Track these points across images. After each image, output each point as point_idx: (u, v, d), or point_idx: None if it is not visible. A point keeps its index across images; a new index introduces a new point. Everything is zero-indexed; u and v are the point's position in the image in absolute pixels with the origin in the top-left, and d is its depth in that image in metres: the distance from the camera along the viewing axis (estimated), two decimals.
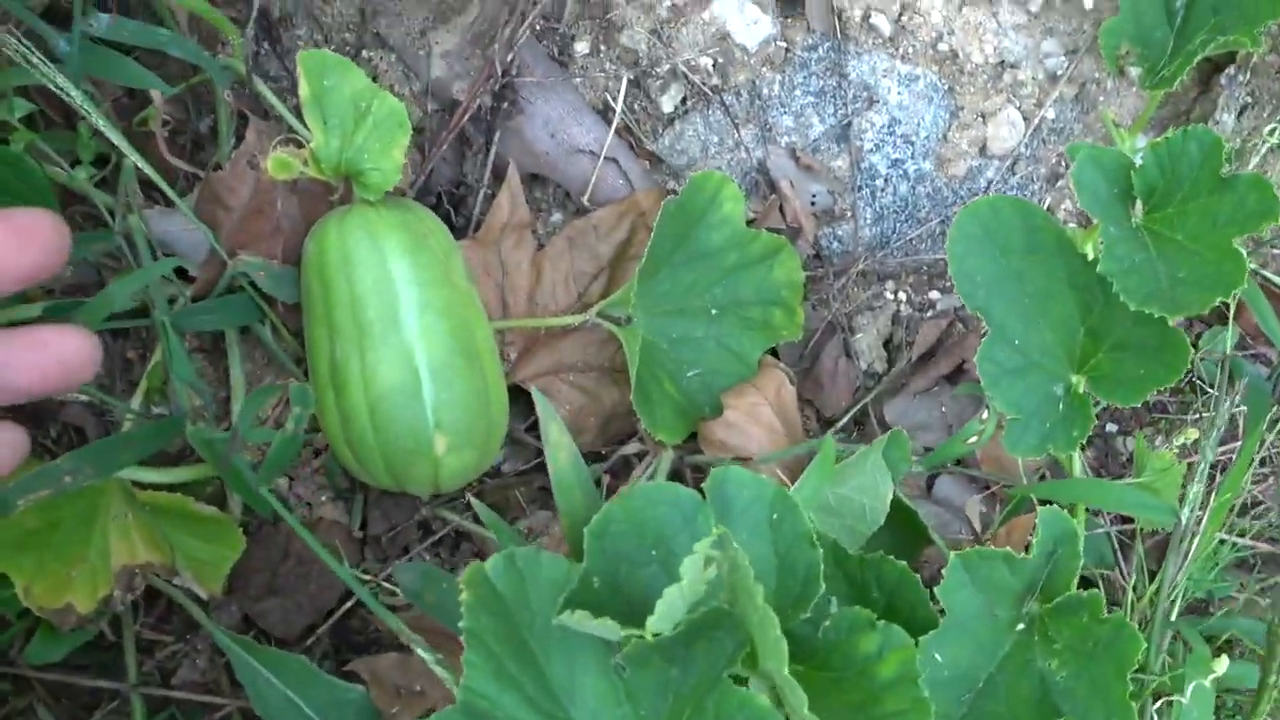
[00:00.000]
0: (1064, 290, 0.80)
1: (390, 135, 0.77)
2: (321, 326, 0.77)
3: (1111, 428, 1.00)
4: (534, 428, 0.91)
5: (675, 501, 0.59)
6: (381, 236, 0.76)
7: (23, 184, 0.71)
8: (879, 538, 0.75)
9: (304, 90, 0.75)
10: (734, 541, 0.50)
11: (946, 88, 0.95)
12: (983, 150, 0.97)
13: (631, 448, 0.88)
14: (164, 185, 0.78)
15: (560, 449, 0.66)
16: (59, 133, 0.82)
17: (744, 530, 0.61)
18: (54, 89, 0.74)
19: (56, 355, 0.55)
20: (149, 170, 0.77)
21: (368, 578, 0.84)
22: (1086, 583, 0.79)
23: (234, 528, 0.79)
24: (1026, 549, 0.75)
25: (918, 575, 0.65)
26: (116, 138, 0.74)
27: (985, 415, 0.77)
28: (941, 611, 0.68)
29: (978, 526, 0.84)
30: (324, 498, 0.89)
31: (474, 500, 0.74)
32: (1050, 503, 0.71)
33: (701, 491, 0.89)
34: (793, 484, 0.81)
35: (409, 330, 0.75)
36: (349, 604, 0.84)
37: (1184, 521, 0.74)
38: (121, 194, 0.80)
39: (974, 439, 0.78)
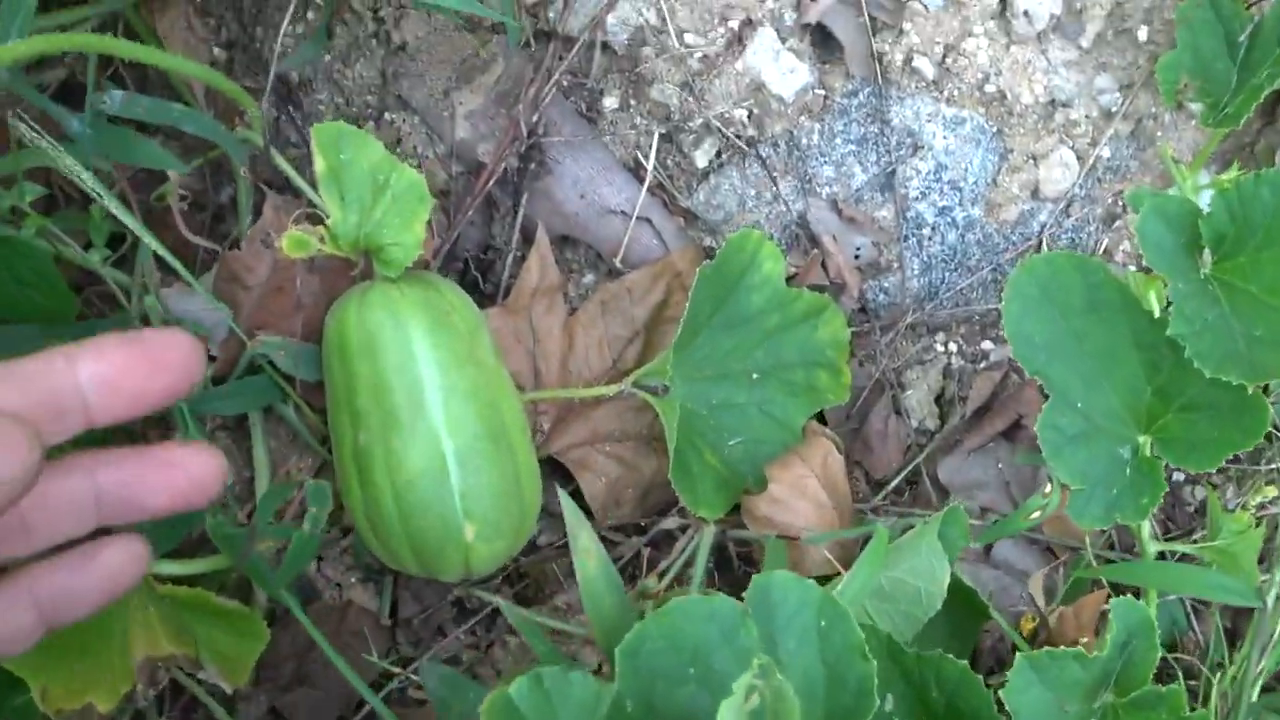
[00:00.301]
0: (1128, 349, 0.75)
1: (410, 209, 0.73)
2: (344, 410, 0.74)
3: (1179, 476, 0.94)
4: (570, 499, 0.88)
5: (714, 615, 0.55)
6: (404, 317, 0.73)
7: (34, 274, 0.69)
8: (935, 614, 0.71)
9: (319, 165, 0.72)
10: (778, 671, 0.46)
11: (995, 130, 0.90)
12: (1035, 193, 0.92)
13: (672, 521, 0.84)
14: (180, 268, 0.75)
15: (589, 556, 0.63)
16: (73, 212, 0.80)
17: (790, 639, 0.56)
18: (66, 174, 0.72)
19: (187, 473, 0.54)
20: (164, 253, 0.74)
21: (397, 670, 0.80)
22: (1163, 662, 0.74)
23: (258, 621, 0.75)
24: (1096, 632, 0.70)
25: (979, 675, 0.60)
26: (131, 222, 0.72)
27: (1049, 488, 0.73)
28: (1003, 709, 0.63)
29: (1042, 602, 0.79)
30: (353, 578, 0.86)
31: (505, 606, 0.70)
32: (1121, 588, 0.66)
33: (738, 568, 0.86)
34: (844, 564, 0.77)
35: (434, 415, 0.72)
36: (383, 692, 0.80)
37: (1269, 606, 0.69)
38: (138, 274, 0.78)
39: (1037, 514, 0.73)
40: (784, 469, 0.80)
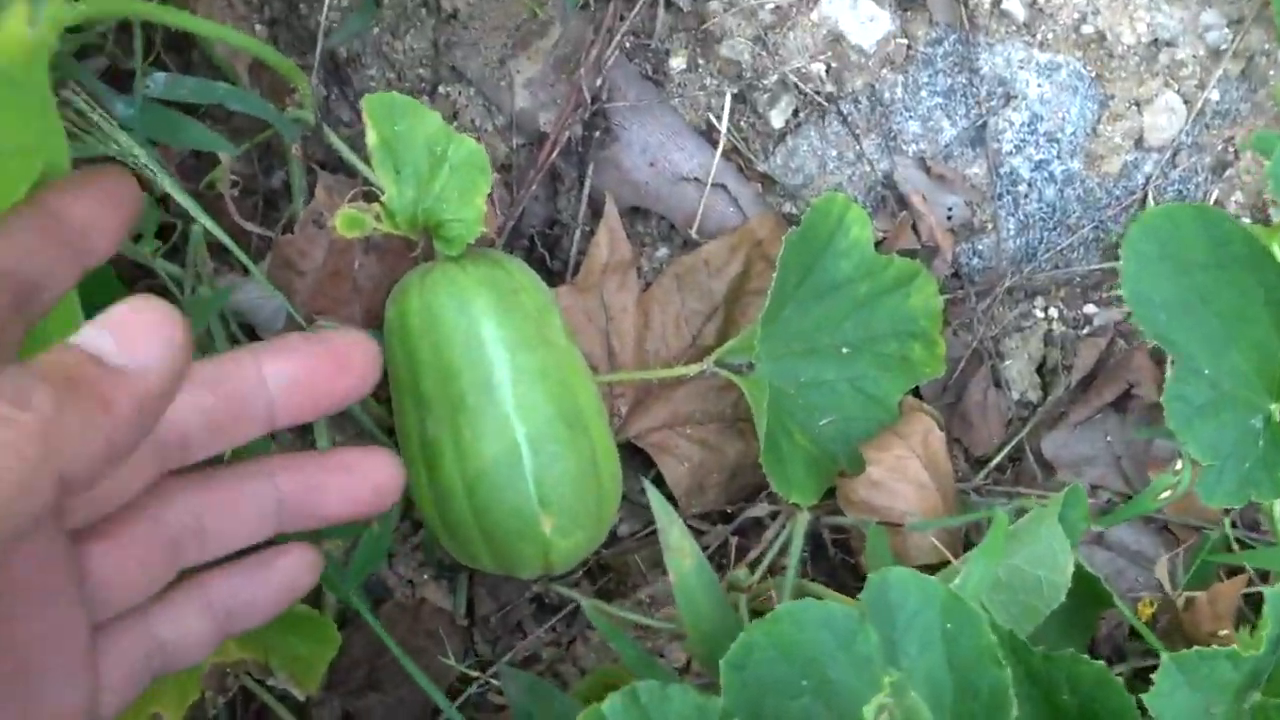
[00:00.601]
0: (1258, 309, 0.68)
1: (470, 182, 0.68)
2: (408, 398, 0.69)
3: None
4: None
5: (828, 621, 0.50)
6: (468, 297, 0.68)
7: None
8: None
9: (372, 138, 0.68)
10: (910, 690, 0.40)
11: (1093, 75, 0.83)
12: (1139, 143, 0.85)
13: (761, 508, 0.79)
14: (238, 251, 0.71)
15: (683, 555, 0.57)
16: None
17: (912, 644, 0.51)
18: (118, 157, 0.67)
19: (368, 480, 0.54)
20: (223, 238, 0.70)
21: (475, 674, 0.76)
22: None
23: (329, 625, 0.71)
24: (1236, 625, 0.64)
25: (1117, 677, 0.55)
26: (190, 205, 0.68)
27: (1179, 465, 0.66)
28: (1143, 711, 0.57)
29: (1169, 587, 0.72)
30: (426, 575, 0.81)
31: (588, 606, 0.65)
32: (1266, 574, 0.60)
33: (834, 555, 0.80)
34: (950, 550, 0.71)
35: (504, 400, 0.67)
36: (461, 698, 0.76)
37: None
38: (190, 264, 0.73)
39: (1167, 493, 0.67)
40: (882, 449, 0.74)
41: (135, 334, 0.38)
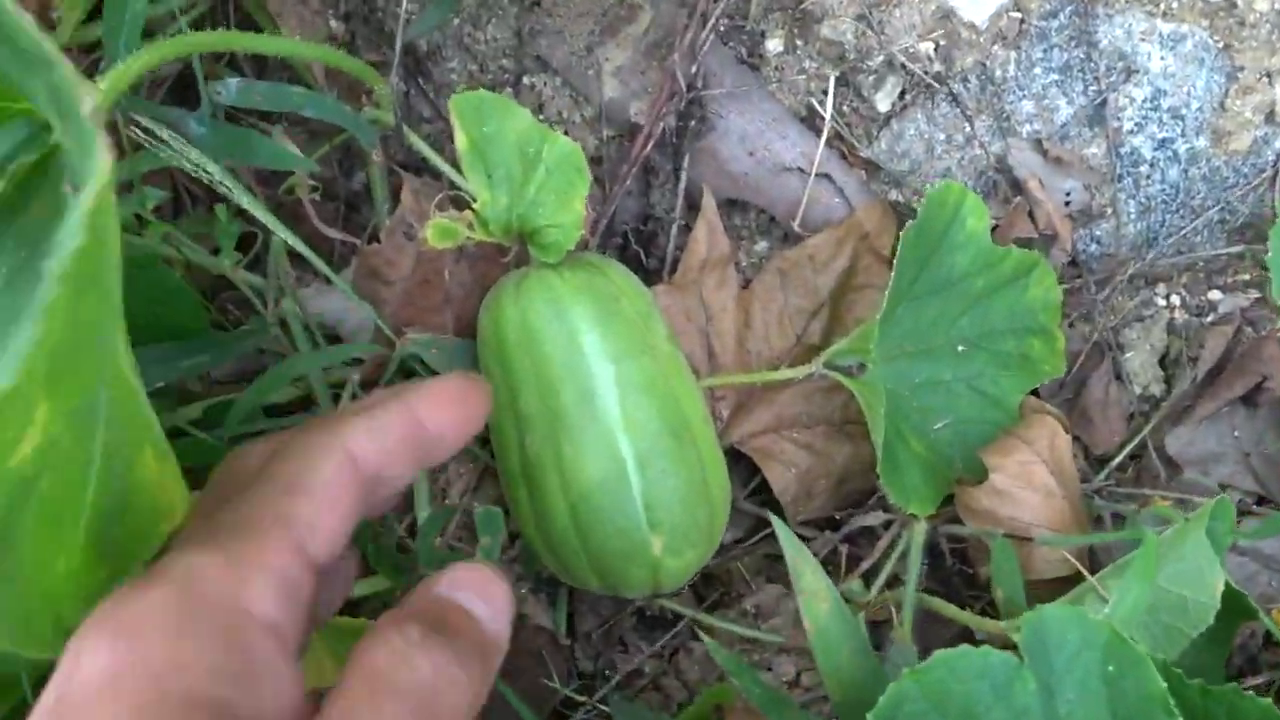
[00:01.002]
0: None
1: (567, 184, 0.64)
2: (507, 414, 0.66)
3: None
4: (754, 493, 0.79)
5: (984, 670, 0.46)
6: (566, 306, 0.64)
7: (162, 289, 0.62)
8: None
9: (460, 140, 0.64)
10: None
11: (1221, 46, 0.78)
12: (1270, 117, 0.79)
13: (873, 517, 0.75)
14: (320, 264, 0.68)
15: (819, 599, 0.54)
16: (199, 215, 0.73)
17: (1070, 688, 0.47)
18: (192, 172, 0.64)
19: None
20: (303, 248, 0.67)
21: (581, 699, 0.73)
22: None
23: None
24: None
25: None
26: (269, 220, 0.64)
27: None
28: None
29: None
30: (524, 588, 0.78)
31: (710, 642, 0.62)
32: None
33: (951, 564, 0.76)
34: (1083, 563, 0.67)
35: (609, 415, 0.63)
36: None
37: None
38: (272, 276, 0.70)
39: None
40: (1005, 455, 0.70)
41: (500, 607, 0.45)
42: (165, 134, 0.62)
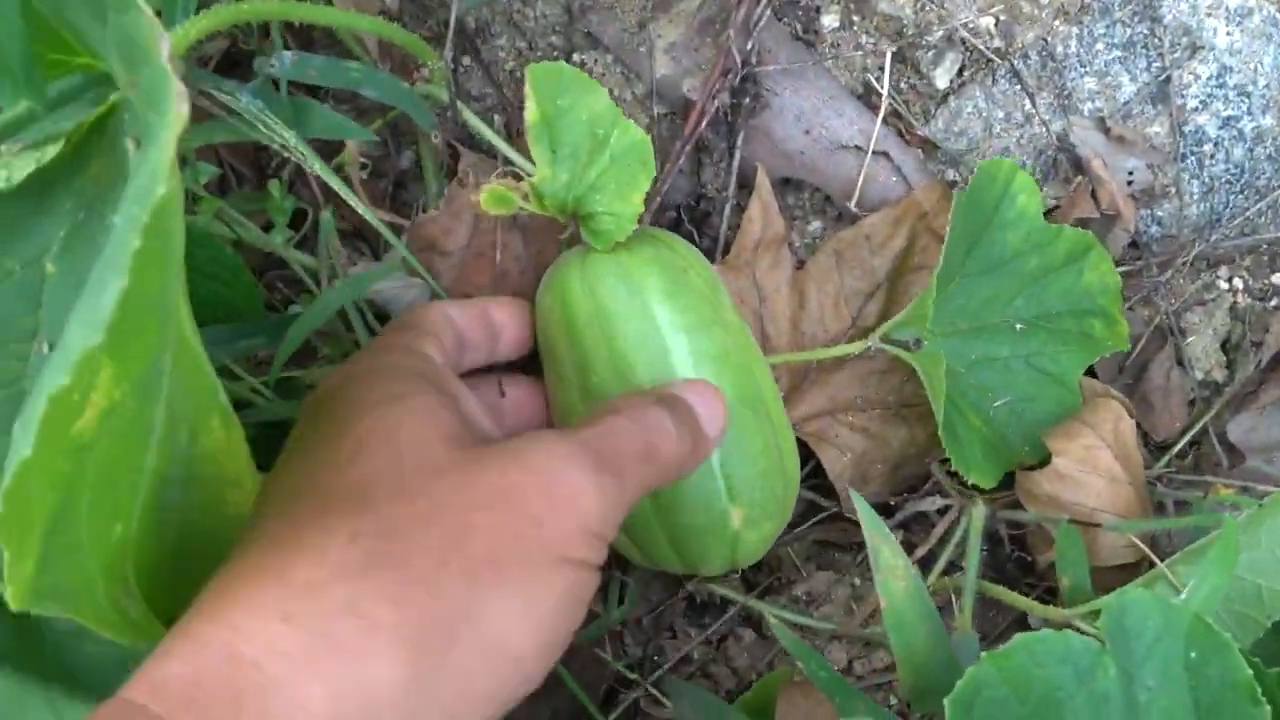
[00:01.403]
0: None
1: (630, 175, 0.63)
2: (575, 393, 0.64)
3: None
4: (808, 477, 0.78)
5: (1066, 655, 0.45)
6: (638, 280, 0.62)
7: (216, 265, 0.61)
8: None
9: (532, 112, 0.62)
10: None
11: None
12: None
13: (930, 502, 0.73)
14: (388, 234, 0.66)
15: (896, 576, 0.52)
16: (248, 192, 0.72)
17: (1151, 675, 0.46)
18: (268, 140, 0.63)
19: None
20: (377, 223, 0.66)
21: (633, 676, 0.72)
22: None
23: None
24: None
25: None
26: (343, 189, 0.63)
27: None
28: None
29: None
30: None
31: (775, 623, 0.60)
32: None
33: (1010, 551, 0.75)
34: (1149, 549, 0.66)
35: None
36: (619, 709, 0.72)
37: None
38: (323, 254, 0.69)
39: None
40: (1069, 439, 0.68)
41: (717, 414, 0.59)
42: (242, 101, 0.61)
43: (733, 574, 0.78)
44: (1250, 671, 0.45)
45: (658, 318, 0.61)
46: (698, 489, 0.61)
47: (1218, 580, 0.53)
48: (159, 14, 0.54)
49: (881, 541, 0.54)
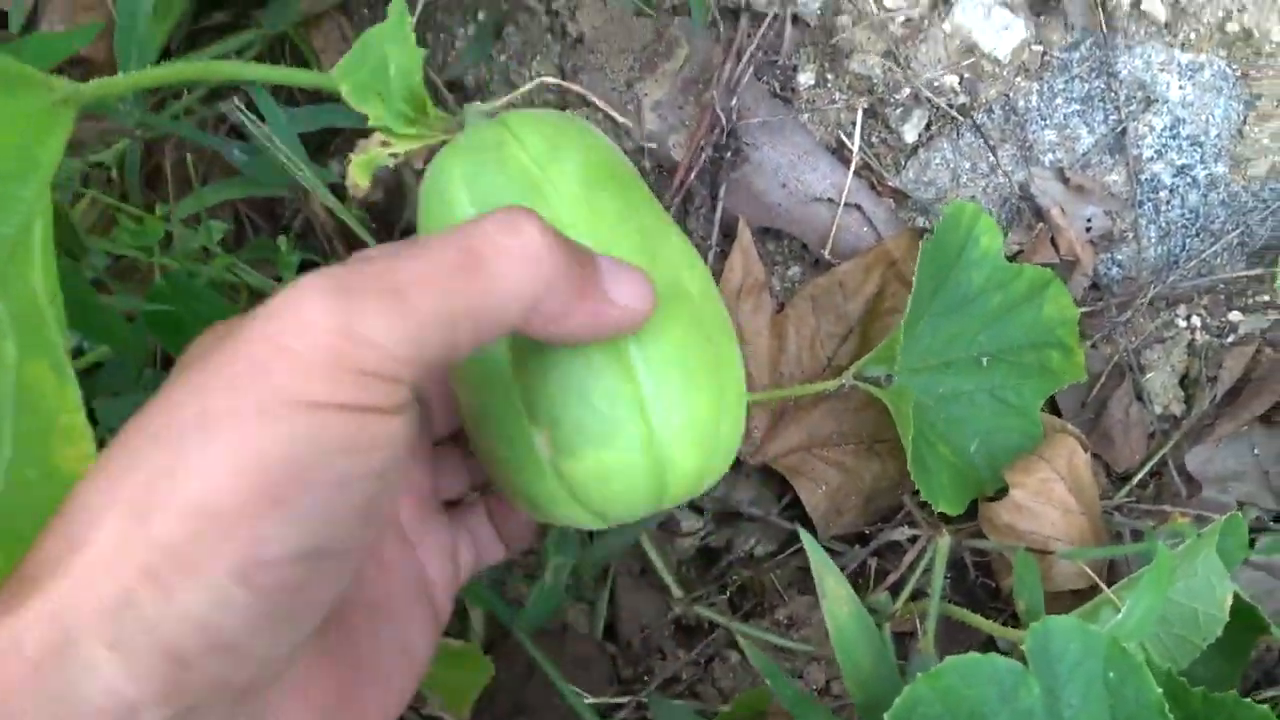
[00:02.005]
0: None
1: None
2: None
3: None
4: (788, 508, 0.83)
5: (992, 676, 0.49)
6: (442, 168, 0.51)
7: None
8: None
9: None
10: None
11: (1239, 75, 0.80)
12: None
13: (900, 532, 0.78)
14: None
15: (840, 603, 0.57)
16: (264, 239, 0.77)
17: (1074, 694, 0.50)
18: (301, 180, 0.68)
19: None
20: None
21: (622, 700, 0.77)
22: None
23: (482, 657, 0.73)
24: None
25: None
26: (362, 233, 0.69)
27: None
28: None
29: None
30: (566, 599, 0.82)
31: (747, 646, 0.65)
32: None
33: (974, 579, 0.79)
34: (1100, 577, 0.70)
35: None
36: None
37: None
38: None
39: None
40: (1026, 472, 0.73)
41: (625, 278, 0.42)
42: (277, 141, 0.66)
43: (716, 592, 0.83)
44: (1160, 691, 0.50)
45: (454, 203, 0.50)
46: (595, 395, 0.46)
47: (1149, 605, 0.58)
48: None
49: (825, 572, 0.59)
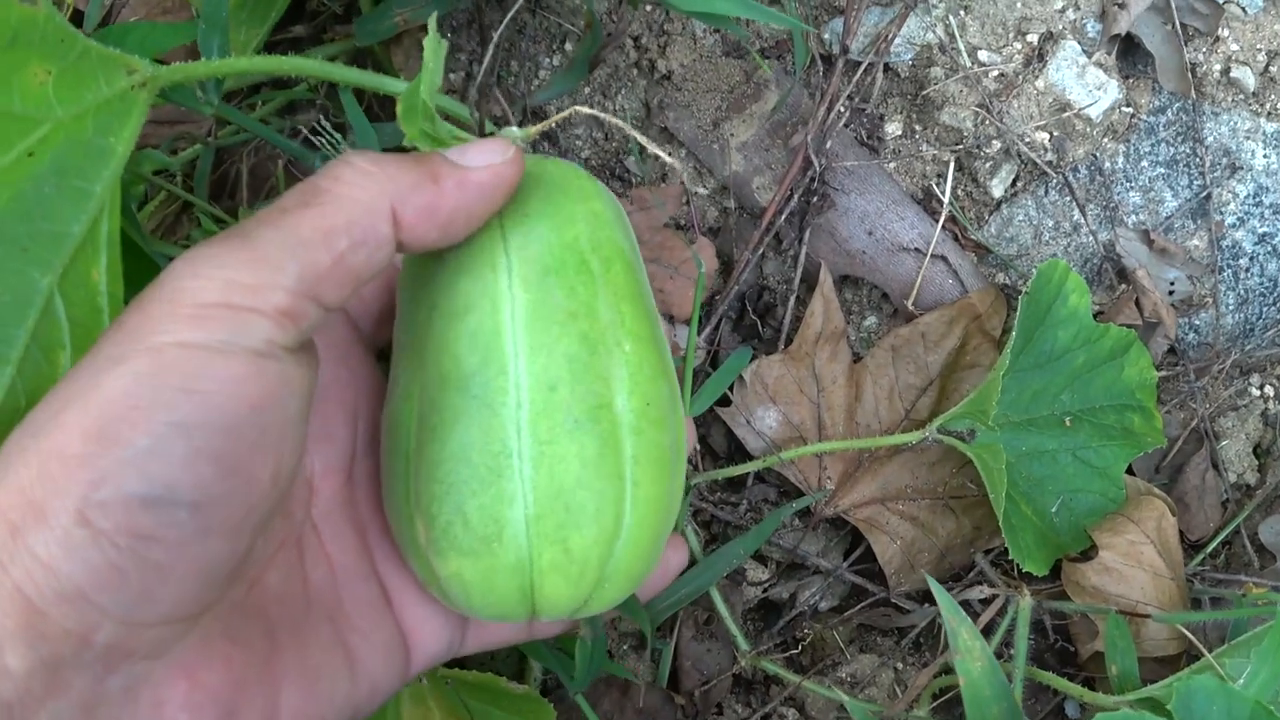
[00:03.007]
0: None
1: None
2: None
3: None
4: (858, 562, 0.81)
5: None
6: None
7: None
8: None
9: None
10: None
11: None
12: None
13: (975, 591, 0.76)
14: None
15: (973, 657, 0.55)
16: None
17: None
18: None
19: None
20: None
21: None
22: None
23: (546, 705, 0.70)
24: None
25: None
26: None
27: None
28: None
29: None
30: (626, 646, 0.80)
31: (849, 702, 0.63)
32: None
33: (1055, 641, 0.77)
34: (1195, 638, 0.68)
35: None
36: None
37: None
38: None
39: None
40: (1114, 534, 0.72)
41: (473, 147, 0.44)
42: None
43: (774, 649, 0.80)
44: None
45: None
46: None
47: (1274, 668, 0.56)
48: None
49: (959, 624, 0.57)
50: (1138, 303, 0.79)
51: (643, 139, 0.46)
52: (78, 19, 0.78)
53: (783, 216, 0.77)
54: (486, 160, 0.44)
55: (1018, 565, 0.71)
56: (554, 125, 0.83)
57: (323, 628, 0.46)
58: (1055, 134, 0.79)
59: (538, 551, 0.43)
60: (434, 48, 0.44)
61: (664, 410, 0.46)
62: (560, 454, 0.43)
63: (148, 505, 0.34)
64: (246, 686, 0.41)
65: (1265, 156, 0.81)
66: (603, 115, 0.47)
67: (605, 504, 0.44)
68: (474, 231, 0.45)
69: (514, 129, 0.47)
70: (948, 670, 0.74)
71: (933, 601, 0.80)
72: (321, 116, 0.80)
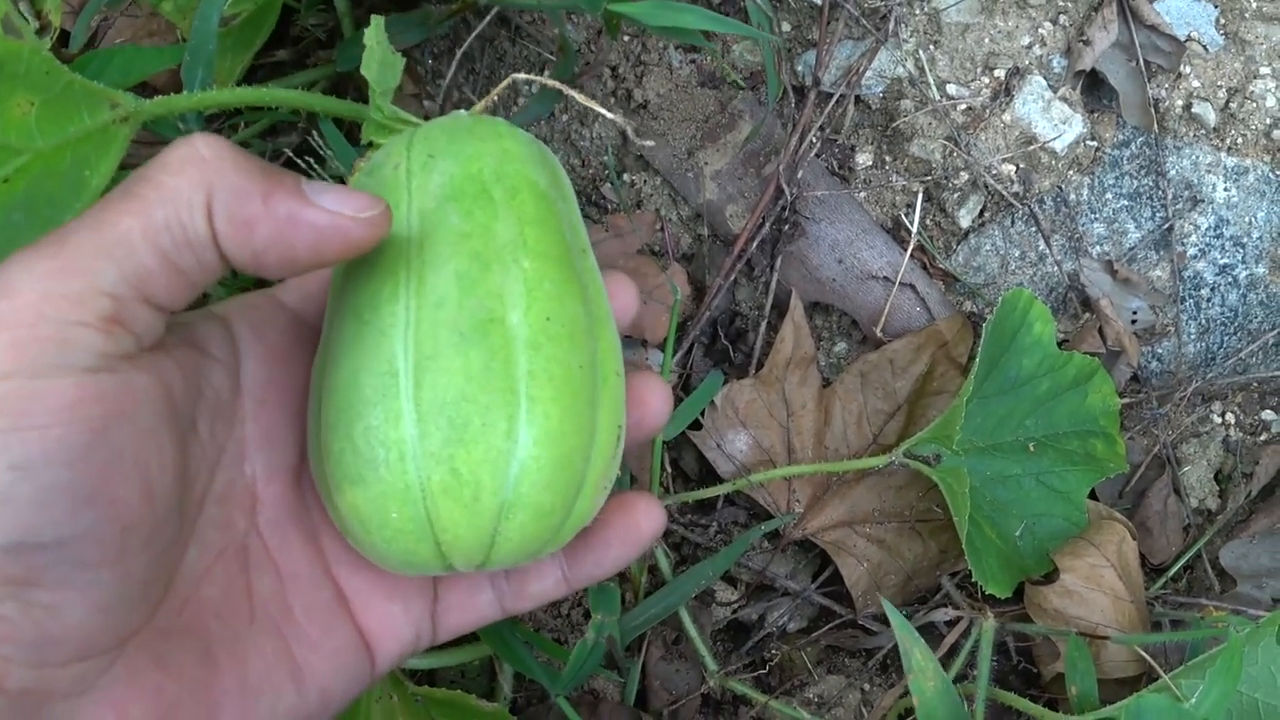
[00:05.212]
0: None
1: None
2: None
3: None
4: (826, 584, 0.82)
5: None
6: None
7: None
8: None
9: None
10: None
11: None
12: None
13: (940, 613, 0.78)
14: None
15: (926, 678, 0.56)
16: None
17: None
18: None
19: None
20: None
21: None
22: None
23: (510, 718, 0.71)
24: None
25: None
26: None
27: None
28: None
29: None
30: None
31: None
32: None
33: (1017, 663, 0.79)
34: (1153, 660, 0.70)
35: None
36: None
37: None
38: None
39: None
40: (1076, 557, 0.73)
41: (337, 190, 0.40)
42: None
43: (743, 670, 0.82)
44: None
45: None
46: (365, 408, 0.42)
47: (1224, 689, 0.58)
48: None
49: (913, 644, 0.58)
50: (1101, 331, 0.81)
51: (586, 100, 0.47)
52: (65, 38, 0.79)
53: (755, 244, 0.79)
54: (339, 207, 0.39)
55: (981, 588, 0.73)
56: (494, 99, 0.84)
57: (266, 641, 0.45)
58: (1021, 166, 0.81)
59: (426, 473, 0.40)
60: (376, 32, 0.44)
61: (571, 328, 0.43)
62: (444, 367, 0.40)
63: (9, 553, 0.33)
64: (179, 714, 0.40)
65: (1226, 190, 0.83)
66: (567, 89, 0.47)
67: (492, 418, 0.40)
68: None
69: (462, 111, 0.48)
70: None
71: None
72: (308, 137, 0.81)
